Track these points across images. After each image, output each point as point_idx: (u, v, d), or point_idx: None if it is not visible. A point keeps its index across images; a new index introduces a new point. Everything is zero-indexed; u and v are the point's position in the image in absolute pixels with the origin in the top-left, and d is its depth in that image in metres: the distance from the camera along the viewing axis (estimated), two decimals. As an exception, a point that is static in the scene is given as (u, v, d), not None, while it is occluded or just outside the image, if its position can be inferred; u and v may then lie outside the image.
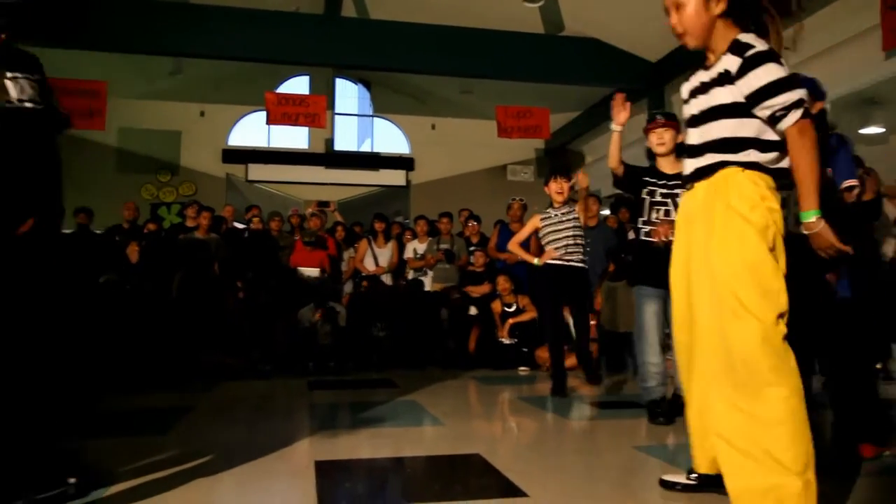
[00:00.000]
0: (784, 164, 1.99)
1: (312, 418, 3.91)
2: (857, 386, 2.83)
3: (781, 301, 1.87)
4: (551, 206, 4.75)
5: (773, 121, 1.93)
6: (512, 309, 6.51)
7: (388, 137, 13.40)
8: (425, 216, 7.74)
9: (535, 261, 4.80)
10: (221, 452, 2.86)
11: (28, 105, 2.16)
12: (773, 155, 1.98)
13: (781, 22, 2.07)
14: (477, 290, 6.86)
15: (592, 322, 5.80)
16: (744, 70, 1.93)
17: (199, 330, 5.87)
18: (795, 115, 1.89)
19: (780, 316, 1.87)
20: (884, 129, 8.57)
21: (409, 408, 4.19)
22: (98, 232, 7.19)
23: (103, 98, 8.16)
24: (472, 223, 7.60)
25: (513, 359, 6.26)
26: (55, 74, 8.06)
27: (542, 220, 4.78)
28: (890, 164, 4.92)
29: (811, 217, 1.89)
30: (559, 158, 13.02)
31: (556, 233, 4.68)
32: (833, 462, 2.64)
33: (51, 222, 2.25)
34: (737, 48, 1.96)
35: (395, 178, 12.94)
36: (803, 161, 1.89)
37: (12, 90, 2.14)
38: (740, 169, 1.97)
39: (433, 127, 13.15)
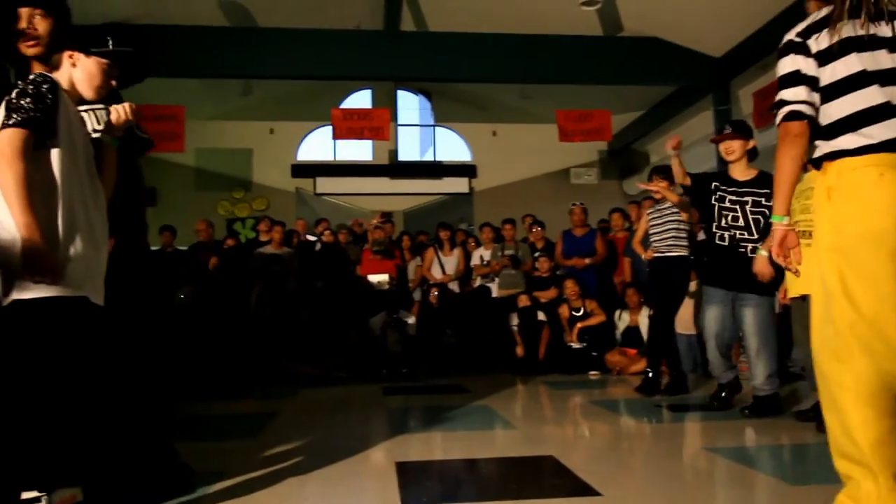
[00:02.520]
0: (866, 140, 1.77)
1: (389, 422, 4.07)
2: None
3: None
4: (658, 202, 4.98)
5: None
6: (580, 313, 6.52)
7: (450, 146, 13.58)
8: (490, 223, 7.84)
9: (644, 256, 5.09)
10: (308, 454, 3.03)
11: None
12: (842, 138, 1.80)
13: None
14: (544, 296, 6.89)
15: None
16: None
17: (277, 340, 6.14)
18: (777, 118, 1.89)
19: None
20: None
21: (481, 412, 4.29)
22: (182, 248, 7.60)
23: (181, 121, 8.63)
24: (536, 228, 7.64)
25: (583, 363, 6.28)
26: (138, 102, 8.59)
27: (648, 214, 5.05)
28: None
29: (775, 220, 1.94)
30: (623, 159, 12.89)
31: (658, 227, 4.86)
32: None
33: (134, 239, 2.46)
34: None
35: (459, 185, 13.09)
36: (777, 165, 1.89)
37: (89, 122, 2.36)
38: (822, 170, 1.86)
39: (494, 133, 13.24)
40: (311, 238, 8.35)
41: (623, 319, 6.44)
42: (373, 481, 2.68)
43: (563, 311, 6.62)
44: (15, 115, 1.88)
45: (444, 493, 2.64)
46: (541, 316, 6.67)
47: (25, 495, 1.93)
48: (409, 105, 13.55)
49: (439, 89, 12.92)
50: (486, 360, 6.57)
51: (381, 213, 8.78)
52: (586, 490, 2.42)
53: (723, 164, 4.25)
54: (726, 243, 3.88)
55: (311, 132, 13.11)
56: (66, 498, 1.87)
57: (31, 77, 1.97)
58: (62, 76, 2.10)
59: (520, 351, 6.55)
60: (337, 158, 13.12)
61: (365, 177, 12.82)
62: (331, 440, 3.40)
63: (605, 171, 13.29)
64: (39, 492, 1.88)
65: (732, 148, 3.92)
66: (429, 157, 13.52)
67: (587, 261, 6.92)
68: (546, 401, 4.98)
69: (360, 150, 13.09)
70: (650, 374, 4.76)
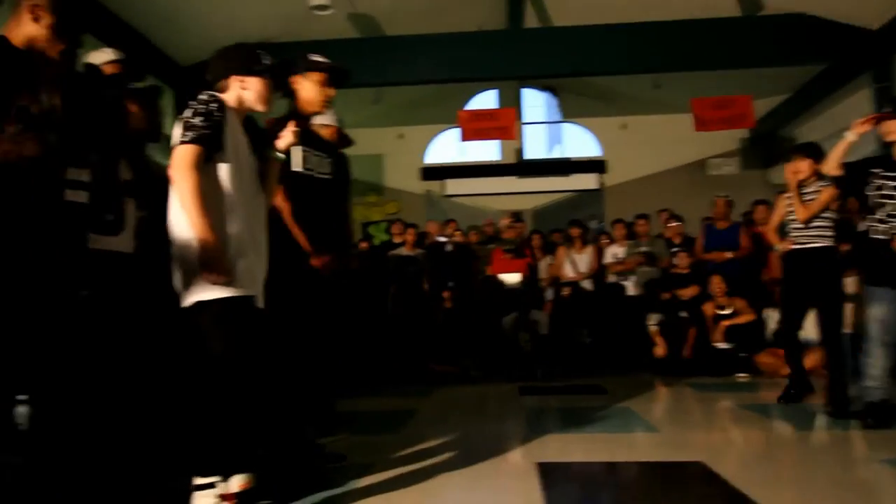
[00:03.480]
0: None
1: (526, 422, 4.04)
2: None
3: None
4: (797, 186, 4.33)
5: None
6: (725, 311, 6.16)
7: (578, 141, 13.32)
8: (622, 219, 7.60)
9: (778, 246, 4.54)
10: (449, 452, 3.08)
11: (319, 176, 2.84)
12: None
13: None
14: (684, 293, 6.57)
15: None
16: None
17: (413, 339, 6.30)
18: None
19: None
20: None
21: (621, 414, 4.16)
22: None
23: (318, 132, 9.06)
24: (673, 223, 7.31)
25: (730, 365, 5.92)
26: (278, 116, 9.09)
27: (786, 197, 4.45)
28: None
29: None
30: (767, 147, 12.03)
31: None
32: None
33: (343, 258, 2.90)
34: None
35: (588, 182, 12.79)
36: None
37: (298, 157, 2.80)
38: None
39: (624, 126, 12.83)
40: (442, 239, 8.49)
41: (773, 318, 6.00)
42: (515, 481, 2.67)
43: (708, 309, 6.27)
44: (188, 133, 2.09)
45: (588, 496, 2.59)
46: (682, 314, 6.36)
47: (198, 481, 2.11)
48: (535, 102, 13.45)
49: (565, 85, 12.71)
50: (624, 360, 6.38)
51: (511, 212, 8.76)
52: (742, 500, 2.28)
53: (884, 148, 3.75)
54: (885, 237, 3.43)
55: (438, 135, 13.35)
56: (241, 484, 2.03)
57: (202, 97, 2.17)
58: (231, 97, 2.28)
59: (659, 351, 6.29)
60: (465, 160, 13.27)
61: (493, 177, 12.85)
62: (470, 438, 3.43)
63: (747, 160, 12.46)
64: (217, 477, 2.04)
65: (893, 129, 3.43)
66: (556, 154, 13.35)
67: (728, 254, 6.52)
68: (691, 404, 4.75)
69: (487, 151, 13.16)
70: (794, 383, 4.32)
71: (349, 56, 8.91)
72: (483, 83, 12.29)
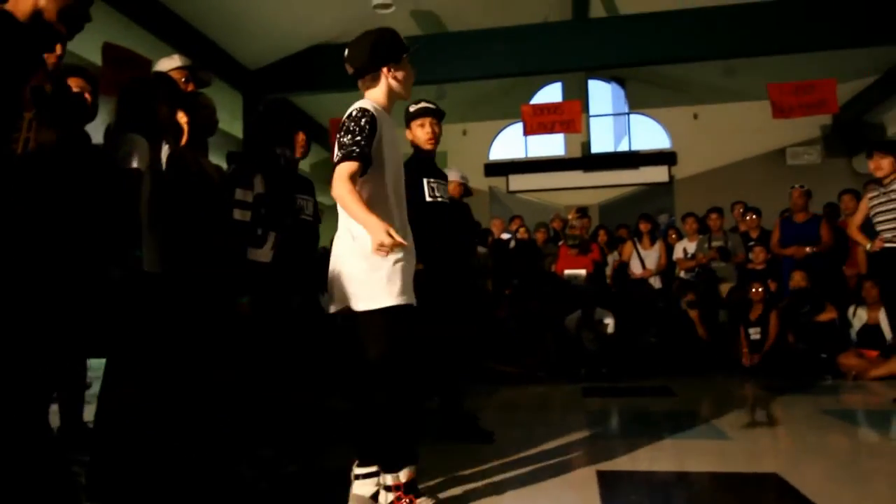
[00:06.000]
0: None
1: (588, 426, 3.89)
2: None
3: None
4: (880, 182, 4.30)
5: None
6: (805, 309, 5.81)
7: (647, 133, 12.91)
8: (694, 213, 7.29)
9: (868, 246, 4.43)
10: (509, 455, 3.00)
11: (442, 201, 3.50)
12: None
13: None
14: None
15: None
16: None
17: (475, 339, 6.21)
18: None
19: None
20: None
21: (690, 419, 3.98)
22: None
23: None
24: (750, 216, 6.96)
25: (809, 366, 5.58)
26: (341, 115, 9.19)
27: (870, 198, 4.36)
28: None
29: None
30: (852, 134, 11.33)
31: (885, 213, 4.23)
32: None
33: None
34: None
35: (657, 174, 12.40)
36: None
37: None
38: None
39: (695, 116, 12.36)
40: (506, 236, 8.37)
41: (859, 317, 5.63)
42: (573, 491, 2.56)
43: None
44: (340, 151, 2.11)
45: (651, 509, 2.45)
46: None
47: (359, 471, 2.23)
48: (602, 94, 13.13)
49: (633, 75, 12.35)
50: (693, 360, 6.11)
51: (576, 208, 8.56)
52: (822, 519, 2.10)
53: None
54: None
55: (501, 130, 13.21)
56: (409, 474, 2.13)
57: (353, 113, 2.15)
58: (380, 91, 2.26)
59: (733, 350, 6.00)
60: (528, 155, 13.09)
61: (557, 171, 12.63)
62: (530, 442, 3.31)
63: (830, 148, 11.77)
64: (387, 471, 2.14)
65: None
66: (623, 147, 12.99)
67: (808, 249, 6.15)
68: (766, 408, 4.48)
69: (551, 145, 12.94)
70: None
71: (413, 53, 8.92)
72: (547, 76, 12.07)
